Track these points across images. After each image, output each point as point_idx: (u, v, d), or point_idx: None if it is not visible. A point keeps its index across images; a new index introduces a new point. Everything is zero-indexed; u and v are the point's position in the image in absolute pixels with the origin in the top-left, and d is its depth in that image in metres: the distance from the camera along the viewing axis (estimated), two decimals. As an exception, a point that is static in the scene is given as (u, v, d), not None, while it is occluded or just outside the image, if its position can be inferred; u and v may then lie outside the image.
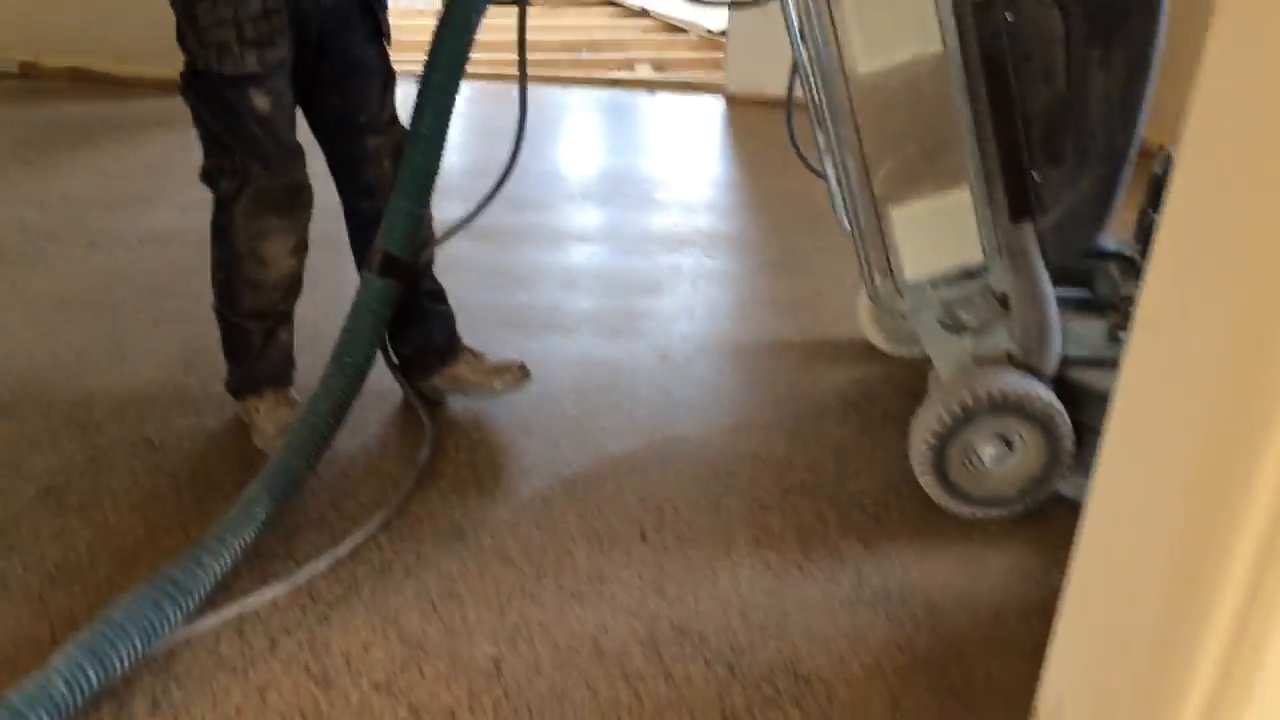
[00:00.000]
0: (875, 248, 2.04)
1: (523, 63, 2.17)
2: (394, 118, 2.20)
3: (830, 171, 2.28)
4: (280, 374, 2.24)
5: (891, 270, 2.06)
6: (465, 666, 1.68)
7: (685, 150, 4.43)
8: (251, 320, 2.17)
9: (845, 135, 1.96)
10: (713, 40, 6.12)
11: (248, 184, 2.01)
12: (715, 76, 5.35)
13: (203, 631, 1.71)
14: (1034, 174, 1.97)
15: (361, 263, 2.22)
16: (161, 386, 2.44)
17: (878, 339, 2.73)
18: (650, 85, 5.34)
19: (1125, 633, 1.19)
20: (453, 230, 2.28)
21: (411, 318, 2.30)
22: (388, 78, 2.17)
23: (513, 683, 1.65)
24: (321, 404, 2.02)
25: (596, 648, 1.74)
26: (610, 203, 3.76)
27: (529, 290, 3.06)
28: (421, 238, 2.18)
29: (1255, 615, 0.89)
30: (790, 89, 2.43)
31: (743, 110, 4.83)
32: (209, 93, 1.96)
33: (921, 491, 2.09)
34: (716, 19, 6.18)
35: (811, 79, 2.01)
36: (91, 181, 3.62)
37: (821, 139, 2.19)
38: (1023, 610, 1.84)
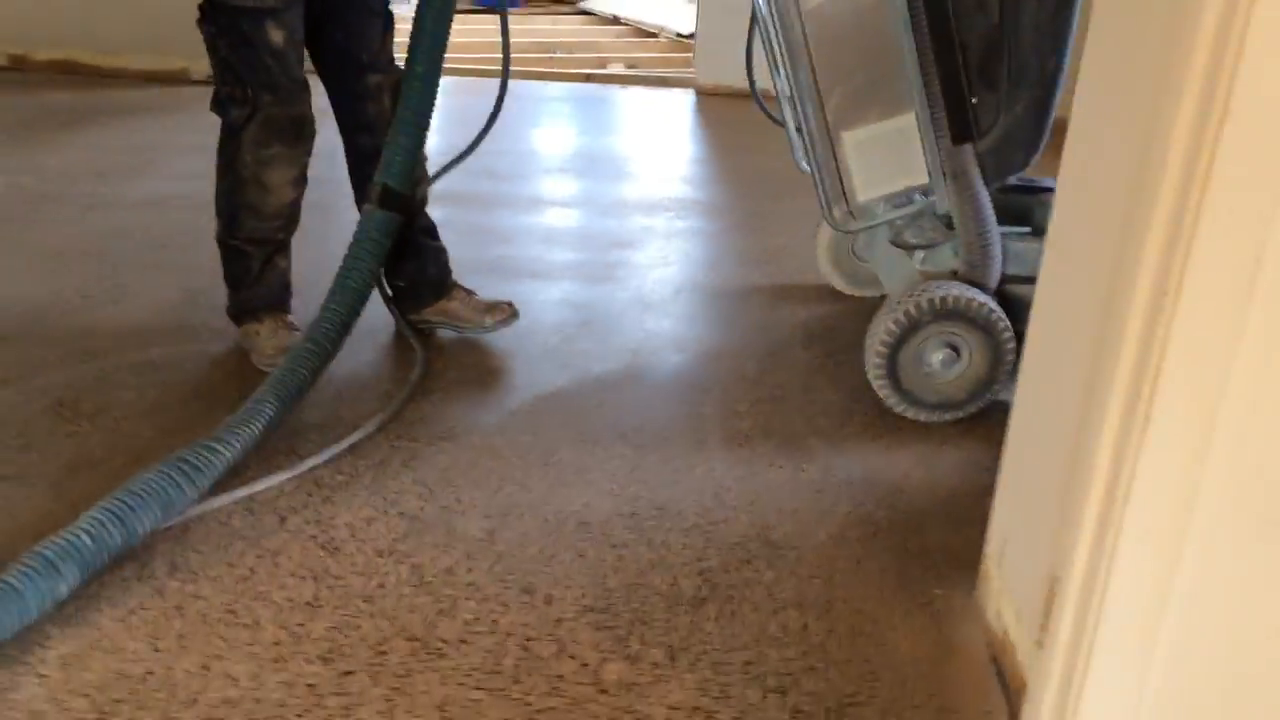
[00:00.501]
0: (830, 176, 2.23)
1: (505, 20, 2.36)
2: (392, 59, 2.36)
3: (788, 115, 2.47)
4: (278, 299, 2.37)
5: (845, 195, 2.25)
6: (461, 536, 1.82)
7: (657, 134, 4.61)
8: (252, 245, 2.30)
9: (800, 69, 2.15)
10: (682, 43, 6.33)
11: (257, 112, 2.15)
12: (685, 73, 5.54)
13: (215, 509, 1.83)
14: (972, 99, 2.15)
15: (361, 199, 2.36)
16: (162, 320, 2.56)
17: (838, 281, 2.90)
18: (623, 80, 5.53)
19: (1045, 475, 1.36)
20: (446, 167, 2.43)
21: (406, 252, 2.44)
22: (388, 20, 2.32)
23: (505, 549, 1.79)
24: (325, 322, 2.15)
25: (582, 522, 1.88)
26: (586, 175, 3.93)
27: (509, 245, 3.21)
28: (417, 175, 2.33)
29: (1127, 450, 1.10)
30: (750, 42, 2.62)
31: (712, 101, 5.02)
32: (226, 24, 2.10)
33: (882, 402, 2.25)
34: (685, 22, 6.39)
35: (770, 20, 2.19)
36: (84, 155, 3.74)
37: (780, 81, 2.37)
38: (975, 492, 1.99)
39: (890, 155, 2.21)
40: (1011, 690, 1.50)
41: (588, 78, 5.51)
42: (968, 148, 2.16)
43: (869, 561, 1.80)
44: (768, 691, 1.51)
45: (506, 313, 2.55)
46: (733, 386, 2.40)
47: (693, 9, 5.68)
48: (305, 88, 2.22)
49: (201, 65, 4.82)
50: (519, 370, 2.40)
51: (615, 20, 7.16)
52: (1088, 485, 1.13)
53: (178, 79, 4.75)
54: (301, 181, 2.30)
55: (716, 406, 2.31)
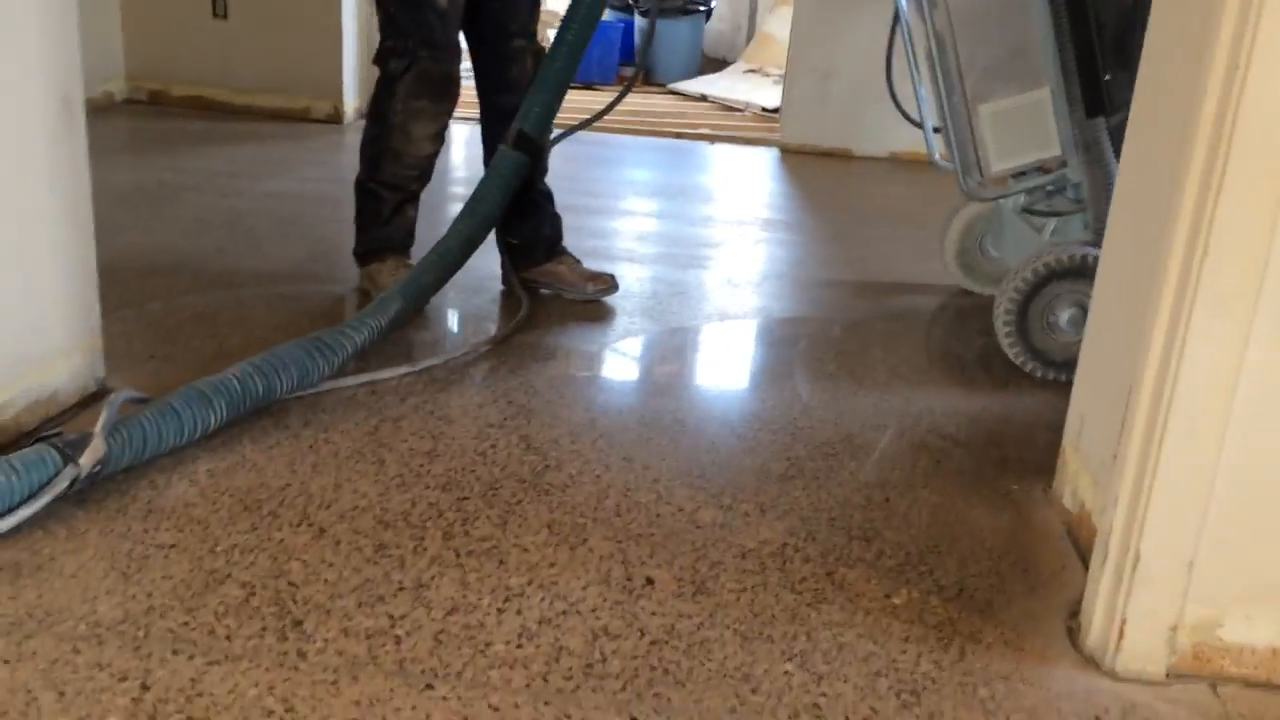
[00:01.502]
0: (966, 147, 2.41)
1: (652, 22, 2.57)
2: (536, 31, 2.60)
3: (926, 115, 2.68)
4: (403, 243, 2.57)
5: (980, 165, 2.42)
6: (565, 420, 1.96)
7: (742, 176, 4.82)
8: (387, 190, 2.51)
9: (944, 47, 2.35)
10: (768, 116, 6.61)
11: (414, 65, 2.38)
12: (771, 135, 5.79)
13: (342, 387, 2.00)
14: (1105, 75, 2.31)
15: (491, 159, 2.59)
16: (291, 269, 2.78)
17: (964, 278, 2.98)
18: (711, 138, 5.80)
19: (1122, 349, 1.47)
20: (572, 130, 2.63)
21: (525, 210, 2.64)
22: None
23: (606, 431, 1.92)
24: (452, 238, 2.34)
25: (677, 419, 2.01)
26: (675, 199, 4.14)
27: (604, 239, 3.39)
28: (549, 132, 2.54)
29: (1180, 322, 1.21)
30: (890, 46, 2.85)
31: (795, 157, 5.24)
32: None
33: (963, 362, 2.36)
34: (770, 98, 6.68)
35: (916, 6, 2.43)
36: (217, 162, 4.06)
37: (921, 72, 2.58)
38: (1051, 425, 2.07)
39: (1025, 127, 2.38)
40: (1084, 549, 1.57)
41: (678, 135, 5.79)
42: (1100, 121, 2.31)
43: (947, 463, 1.90)
44: (853, 538, 1.61)
45: (608, 283, 2.72)
46: (818, 341, 2.53)
47: (778, 89, 5.96)
48: (458, 50, 2.45)
49: (322, 105, 5.25)
50: (617, 320, 2.56)
51: (703, 98, 7.49)
52: (1160, 296, 1.24)
53: (301, 117, 5.12)
54: (440, 139, 2.53)
55: (802, 354, 2.44)
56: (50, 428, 1.73)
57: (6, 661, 1.18)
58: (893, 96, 3.01)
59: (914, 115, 2.86)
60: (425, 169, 2.54)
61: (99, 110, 5.03)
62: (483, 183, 2.43)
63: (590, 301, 2.65)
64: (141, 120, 4.92)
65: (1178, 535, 1.25)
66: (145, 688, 1.16)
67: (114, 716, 1.11)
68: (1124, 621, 1.29)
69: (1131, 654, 1.29)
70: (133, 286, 2.49)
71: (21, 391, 1.71)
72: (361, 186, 2.55)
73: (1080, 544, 1.62)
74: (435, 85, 2.44)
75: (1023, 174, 2.44)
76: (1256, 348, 1.19)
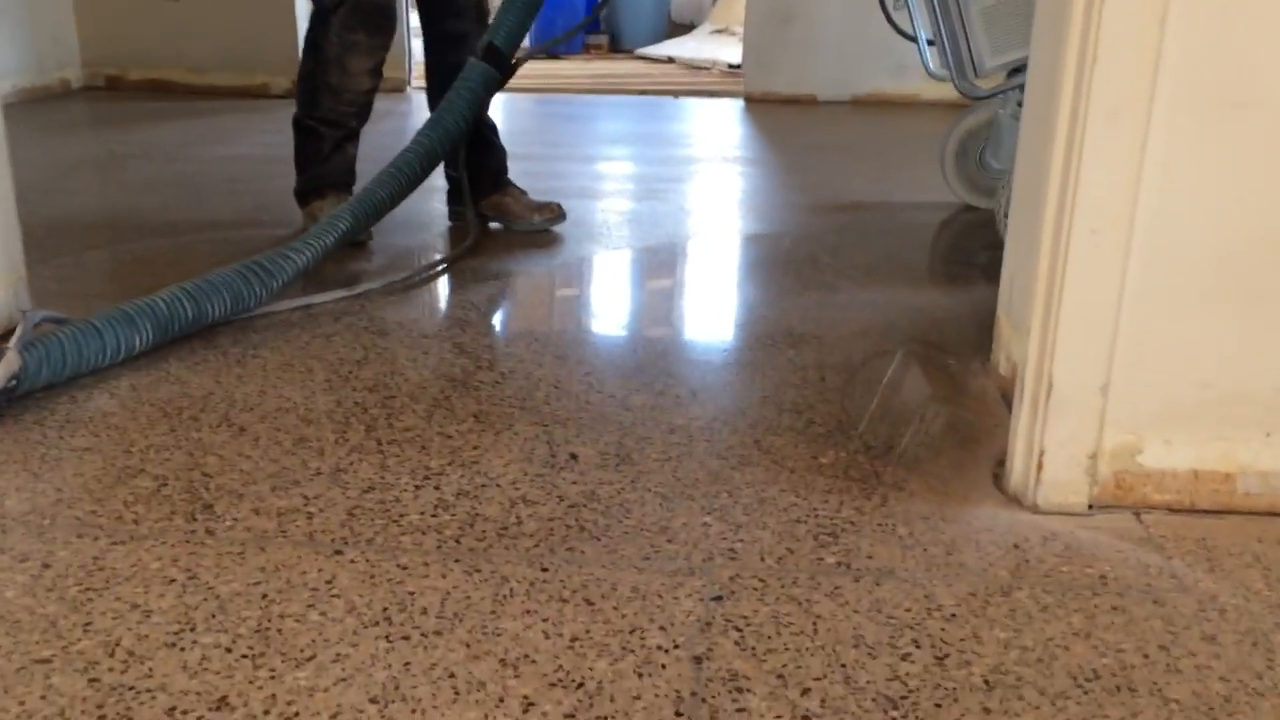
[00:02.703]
0: (960, 46, 2.42)
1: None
2: None
3: (921, 28, 2.70)
4: (343, 180, 2.55)
5: (974, 63, 2.43)
6: (499, 328, 1.94)
7: (706, 122, 4.79)
8: (326, 126, 2.48)
9: None
10: (734, 73, 6.57)
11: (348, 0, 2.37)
12: (734, 87, 5.76)
13: (276, 310, 1.98)
14: None
15: (436, 98, 2.54)
16: (235, 219, 2.76)
17: (963, 191, 2.92)
18: (675, 93, 5.77)
19: (1031, 217, 1.44)
20: (533, 53, 2.59)
21: (472, 143, 2.61)
22: None
23: (542, 337, 1.90)
24: (412, 151, 2.29)
25: (618, 325, 1.99)
26: (636, 144, 4.12)
27: (561, 180, 3.37)
28: (515, 49, 2.50)
29: (1076, 134, 1.17)
30: None
31: (760, 106, 5.21)
32: None
33: (911, 267, 2.35)
34: (736, 55, 6.64)
35: None
36: (170, 134, 4.03)
37: None
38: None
39: (1016, 22, 2.38)
40: (1019, 407, 1.56)
41: (641, 91, 5.77)
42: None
43: (887, 346, 1.88)
44: (783, 411, 1.59)
45: (555, 212, 2.70)
46: (767, 254, 2.51)
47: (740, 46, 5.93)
48: None
49: (279, 80, 5.22)
50: (565, 246, 2.54)
51: (669, 60, 7.46)
52: (1056, 111, 1.22)
53: (259, 93, 5.10)
54: (377, 74, 2.49)
55: (750, 265, 2.43)
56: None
57: (-95, 551, 1.17)
58: (885, 12, 2.98)
59: (908, 30, 2.86)
60: (364, 105, 2.51)
61: (55, 97, 5.01)
62: (450, 95, 2.38)
63: (538, 231, 2.64)
64: (97, 104, 4.89)
65: (1089, 357, 1.23)
66: (46, 566, 1.14)
67: (11, 591, 1.10)
68: (1042, 453, 1.27)
69: (1052, 486, 1.28)
70: (73, 239, 2.48)
71: (-62, 318, 1.69)
72: (299, 124, 2.53)
73: (1012, 405, 1.60)
74: (371, 18, 2.40)
75: (1017, 70, 2.43)
76: (1153, 155, 1.17)
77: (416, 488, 1.34)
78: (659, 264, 2.47)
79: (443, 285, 2.21)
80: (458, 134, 2.38)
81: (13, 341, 1.53)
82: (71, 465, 1.38)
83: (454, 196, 2.71)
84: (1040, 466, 1.28)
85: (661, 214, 2.86)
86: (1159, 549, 1.21)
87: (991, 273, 1.81)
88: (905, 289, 2.22)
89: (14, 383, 1.51)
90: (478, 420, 1.54)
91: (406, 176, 2.27)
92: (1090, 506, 1.29)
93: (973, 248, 2.61)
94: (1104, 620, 1.08)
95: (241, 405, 1.58)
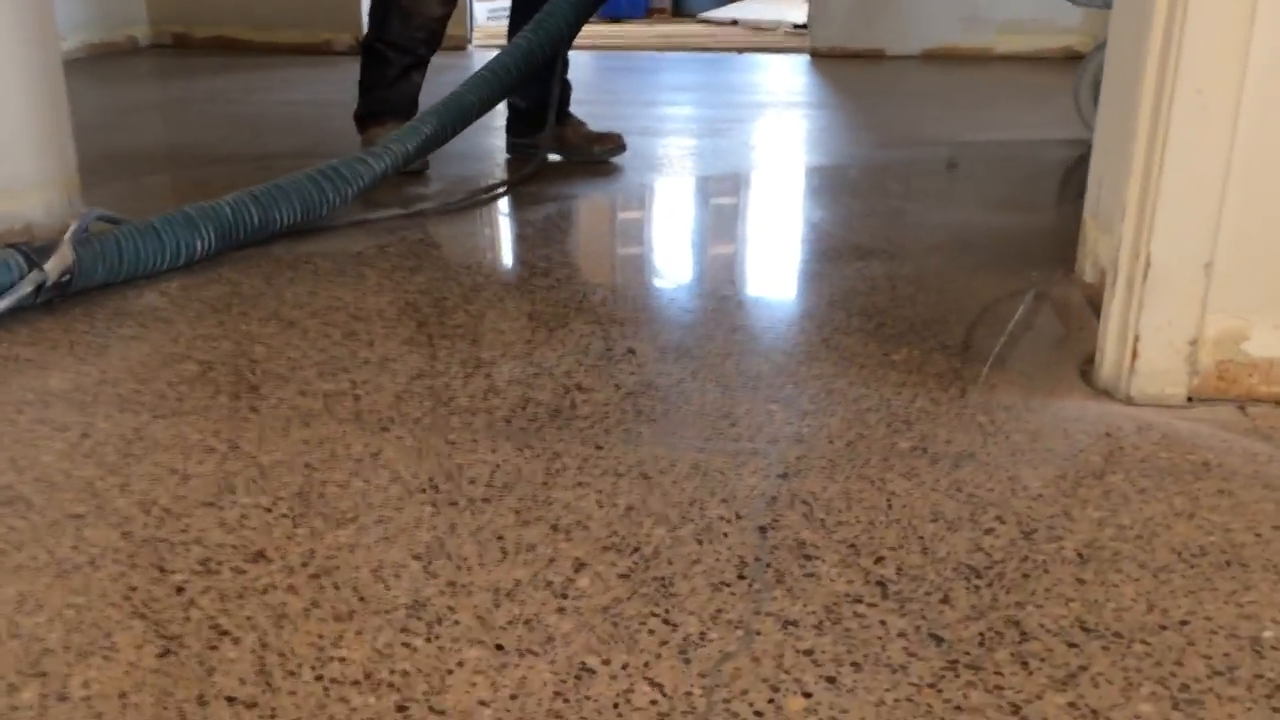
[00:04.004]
0: None
1: None
2: None
3: None
4: (406, 108, 2.49)
5: None
6: (559, 244, 1.88)
7: (771, 75, 4.69)
8: (393, 51, 2.42)
9: None
10: (799, 33, 6.44)
11: None
12: (803, 45, 5.64)
13: (330, 225, 1.93)
14: None
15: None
16: (291, 152, 2.73)
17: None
18: (740, 49, 5.67)
19: (1127, 90, 1.34)
20: None
21: (538, 75, 2.54)
22: None
23: (602, 250, 1.84)
24: (508, 54, 2.21)
25: (681, 240, 1.92)
26: (699, 92, 4.03)
27: (623, 122, 3.29)
28: None
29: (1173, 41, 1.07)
30: None
31: (827, 60, 5.09)
32: None
33: (991, 190, 2.24)
34: (802, 14, 6.51)
35: None
36: (233, 83, 4.03)
37: None
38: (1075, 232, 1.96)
39: None
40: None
41: (706, 49, 5.68)
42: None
43: (965, 259, 1.78)
44: (853, 314, 1.50)
45: (615, 142, 2.62)
46: (832, 183, 2.42)
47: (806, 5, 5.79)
48: None
49: (343, 37, 5.21)
50: (626, 175, 2.46)
51: (734, 23, 7.35)
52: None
53: (323, 50, 5.10)
54: (450, 2, 2.45)
55: (815, 191, 2.33)
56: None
57: (-53, 420, 1.14)
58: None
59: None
60: (433, 32, 2.44)
61: (121, 54, 5.05)
62: (547, 7, 2.25)
63: (598, 162, 2.57)
64: (162, 59, 4.93)
65: (1192, 231, 1.13)
66: (85, 435, 1.11)
67: (49, 456, 1.06)
68: (1137, 339, 1.17)
69: (1148, 376, 1.18)
70: (132, 166, 2.46)
71: (-6, 216, 1.67)
72: (368, 48, 2.47)
73: (1099, 310, 1.50)
74: None
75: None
76: (1267, 2, 1.07)
77: (467, 375, 1.28)
78: (721, 190, 2.39)
79: (501, 206, 2.15)
80: (559, 39, 2.26)
81: (67, 236, 1.50)
82: (118, 351, 1.34)
83: (514, 127, 2.65)
84: (1135, 355, 1.18)
85: (725, 149, 2.78)
86: (1267, 439, 1.11)
87: (1072, 198, 1.71)
88: (979, 212, 2.11)
89: (67, 278, 1.48)
90: (531, 319, 1.48)
91: (500, 79, 2.17)
92: (1189, 399, 1.19)
93: (1051, 179, 2.49)
94: (1209, 502, 0.98)
95: (292, 303, 1.53)
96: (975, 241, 1.89)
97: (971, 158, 2.68)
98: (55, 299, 1.49)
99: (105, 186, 2.19)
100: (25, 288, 1.43)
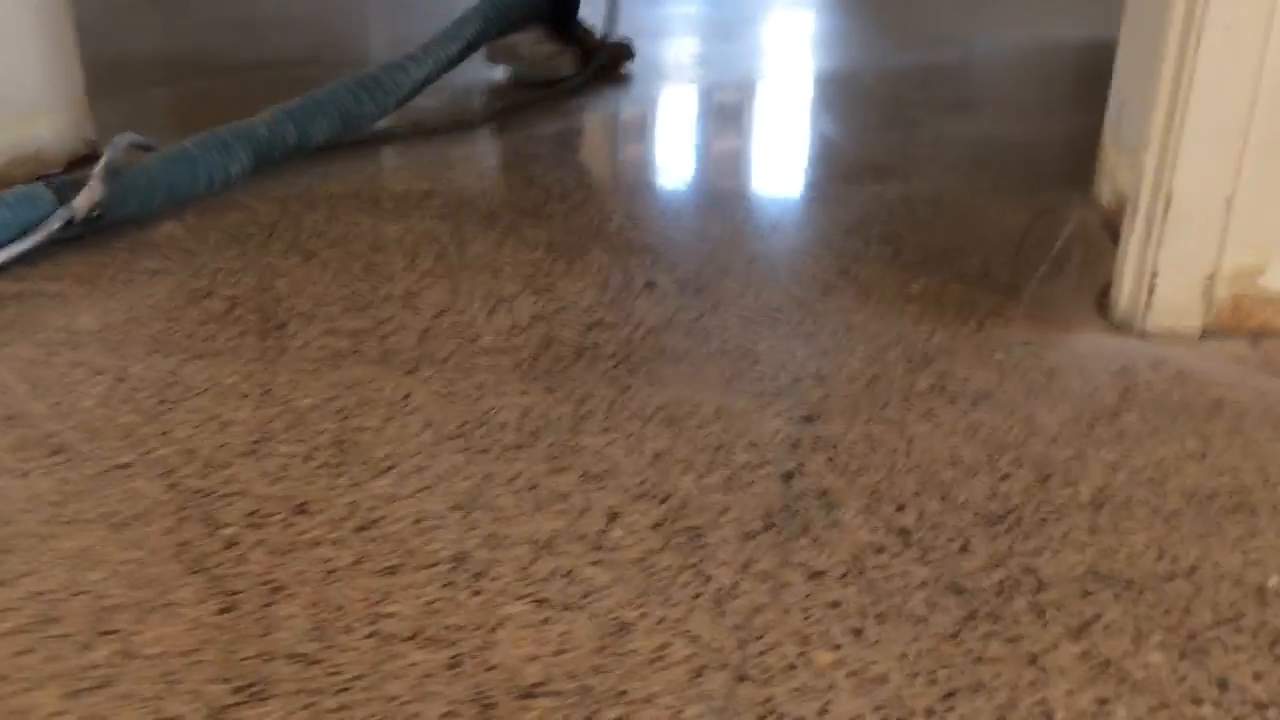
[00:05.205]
0: None
1: None
2: None
3: None
4: None
5: None
6: (573, 165, 1.88)
7: None
8: None
9: None
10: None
11: None
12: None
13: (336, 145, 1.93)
14: None
15: None
16: (299, 57, 2.67)
17: None
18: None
19: (1152, 22, 1.31)
20: None
21: None
22: None
23: (619, 171, 1.84)
24: None
25: (693, 162, 1.91)
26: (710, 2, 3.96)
27: (627, 22, 3.24)
28: None
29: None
30: None
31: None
32: None
33: (1008, 96, 2.22)
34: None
35: None
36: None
37: None
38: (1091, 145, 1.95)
39: None
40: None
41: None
42: None
43: (980, 179, 1.78)
44: (870, 242, 1.51)
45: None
46: (847, 92, 2.39)
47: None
48: None
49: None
50: (635, 85, 2.43)
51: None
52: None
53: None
54: None
55: (828, 101, 2.31)
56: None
57: (-16, 364, 1.17)
58: None
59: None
60: None
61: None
62: None
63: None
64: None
65: (1216, 165, 1.13)
66: (120, 380, 1.13)
67: (88, 402, 1.09)
68: (1154, 275, 1.18)
69: (1164, 309, 1.20)
70: (135, 76, 2.43)
71: (5, 143, 1.66)
72: None
73: (1117, 236, 1.51)
74: None
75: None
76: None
77: (489, 312, 1.30)
78: (733, 102, 2.36)
79: (512, 123, 2.13)
80: None
81: (97, 168, 1.49)
82: (142, 286, 1.36)
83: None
84: (1151, 290, 1.19)
85: (735, 55, 2.73)
86: (1279, 374, 1.14)
87: (1088, 105, 1.70)
88: (997, 123, 2.09)
89: (97, 213, 1.47)
90: (550, 249, 1.49)
91: None
92: (1204, 332, 1.21)
93: (1069, 82, 2.46)
94: (1220, 443, 1.01)
95: (310, 231, 1.54)
96: (992, 158, 1.88)
97: (988, 60, 2.64)
98: (85, 234, 1.49)
99: (110, 101, 2.15)
100: (54, 224, 1.43)
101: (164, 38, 2.97)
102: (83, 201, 1.44)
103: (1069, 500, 0.92)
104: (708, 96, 2.36)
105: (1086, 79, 2.38)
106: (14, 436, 1.02)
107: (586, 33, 2.54)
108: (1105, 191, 1.60)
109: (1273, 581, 0.82)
